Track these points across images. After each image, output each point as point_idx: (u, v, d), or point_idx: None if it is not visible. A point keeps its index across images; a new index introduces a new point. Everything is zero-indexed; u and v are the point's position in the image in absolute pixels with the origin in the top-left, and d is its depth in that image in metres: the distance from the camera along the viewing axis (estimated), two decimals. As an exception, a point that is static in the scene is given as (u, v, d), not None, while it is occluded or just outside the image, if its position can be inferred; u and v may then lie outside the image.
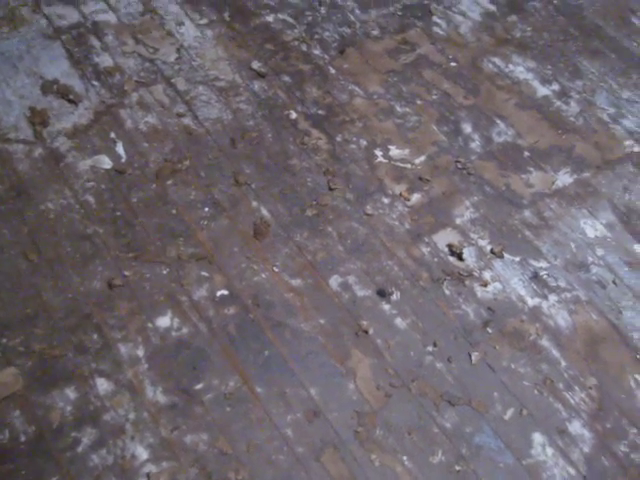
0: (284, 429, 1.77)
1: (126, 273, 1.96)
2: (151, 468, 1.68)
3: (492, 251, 2.15)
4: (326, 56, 2.66)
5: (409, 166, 2.35)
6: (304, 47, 2.67)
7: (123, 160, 2.22)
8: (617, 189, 2.43)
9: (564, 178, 2.41)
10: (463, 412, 1.85)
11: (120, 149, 2.25)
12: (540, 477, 1.79)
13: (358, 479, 1.73)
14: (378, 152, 2.38)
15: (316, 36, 2.70)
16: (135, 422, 1.74)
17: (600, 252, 2.24)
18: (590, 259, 2.22)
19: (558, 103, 2.65)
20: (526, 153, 2.45)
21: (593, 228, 2.30)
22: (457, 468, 1.77)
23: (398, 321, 1.98)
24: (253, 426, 1.77)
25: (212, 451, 1.73)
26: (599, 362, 2.01)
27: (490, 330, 1.99)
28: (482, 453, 1.80)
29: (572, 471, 1.82)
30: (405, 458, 1.76)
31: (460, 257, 2.11)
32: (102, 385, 1.78)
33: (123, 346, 1.85)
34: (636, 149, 2.57)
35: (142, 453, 1.70)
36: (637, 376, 2.02)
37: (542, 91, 2.68)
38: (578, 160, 2.47)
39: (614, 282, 2.18)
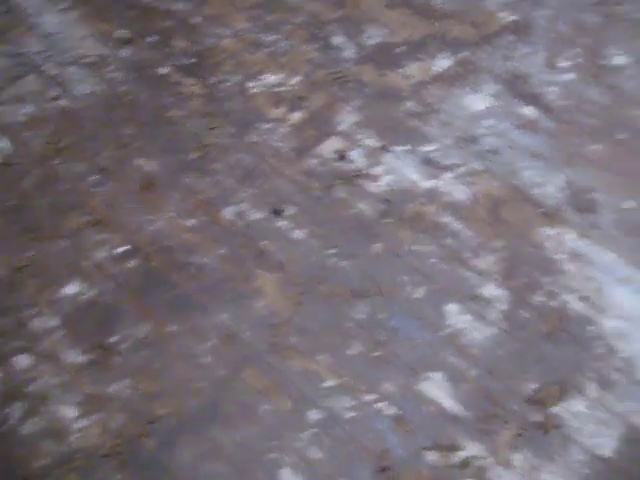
0: (202, 358, 1.87)
1: (29, 254, 2.06)
2: (82, 423, 1.78)
3: (381, 147, 2.23)
4: (188, 8, 2.74)
5: (285, 89, 2.44)
6: (165, 5, 2.76)
7: (9, 153, 2.31)
8: (497, 60, 2.53)
9: (442, 63, 2.51)
10: (375, 302, 1.95)
11: (4, 144, 2.35)
12: (460, 342, 1.88)
13: (282, 386, 1.82)
14: (253, 83, 2.47)
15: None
16: (59, 385, 1.84)
17: (489, 122, 2.34)
18: (480, 131, 2.32)
19: (427, -6, 2.73)
20: (401, 48, 2.54)
21: (479, 102, 2.40)
22: (376, 354, 1.86)
23: (296, 233, 2.08)
24: (172, 362, 1.86)
25: (136, 394, 1.82)
26: (504, 224, 2.11)
27: (389, 220, 2.09)
28: (399, 335, 1.89)
29: (493, 330, 1.92)
30: (323, 357, 1.86)
31: (348, 159, 2.19)
32: (23, 361, 1.88)
33: (37, 320, 1.95)
34: (512, 18, 2.67)
35: (71, 412, 1.80)
36: (543, 229, 2.12)
37: (409, -14, 2.76)
38: (454, 42, 2.57)
39: (508, 147, 2.27)
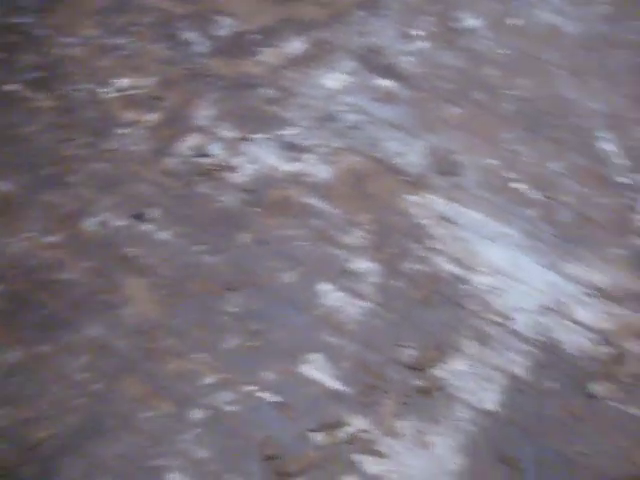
0: (78, 374, 1.83)
1: None
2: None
3: (240, 137, 2.22)
4: (33, 20, 2.67)
5: (140, 91, 2.40)
6: (7, 19, 2.68)
7: None
8: (352, 36, 2.55)
9: (296, 45, 2.51)
10: (248, 293, 1.94)
11: None
12: (336, 320, 1.89)
13: (162, 391, 1.79)
14: (105, 89, 2.42)
15: (13, 5, 2.70)
16: None
17: (347, 99, 2.36)
18: (339, 109, 2.33)
19: (276, -21, 2.73)
20: (254, 36, 2.53)
21: (335, 80, 2.41)
22: (253, 344, 1.85)
23: (161, 235, 2.05)
24: (47, 384, 1.81)
25: (13, 421, 1.76)
26: (369, 198, 2.13)
27: (255, 209, 2.08)
28: (274, 322, 1.89)
29: (367, 303, 1.94)
30: (200, 355, 1.84)
31: (208, 154, 2.18)
32: None
33: None
34: (362, -6, 2.68)
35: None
36: (407, 196, 2.15)
37: (258, -26, 2.75)
38: (307, 24, 2.59)
39: (367, 121, 2.29)
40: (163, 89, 2.41)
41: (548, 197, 2.20)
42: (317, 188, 2.13)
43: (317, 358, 1.85)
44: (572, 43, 2.67)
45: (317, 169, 2.17)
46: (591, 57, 2.63)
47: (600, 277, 2.07)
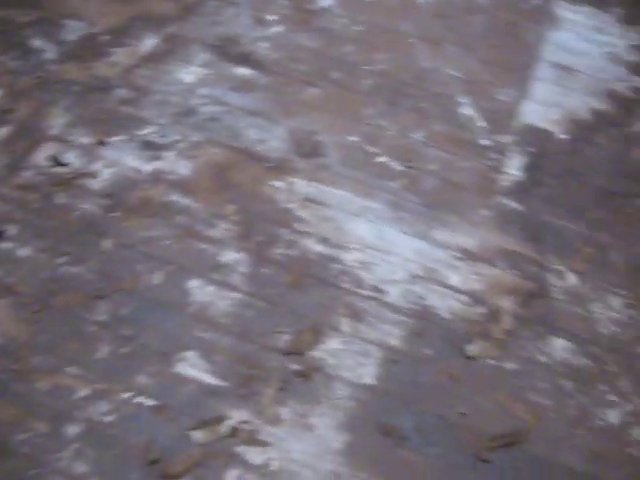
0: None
1: None
2: None
3: (97, 142, 2.18)
4: None
5: (-12, 106, 2.33)
6: None
7: None
8: (205, 27, 2.53)
9: (149, 42, 2.49)
10: (115, 299, 1.91)
11: None
12: (208, 315, 1.88)
13: (34, 411, 1.77)
14: (-48, 108, 2.33)
15: None
16: None
17: (204, 91, 2.35)
18: (196, 102, 2.32)
19: (125, -23, 2.68)
20: (104, 37, 2.48)
21: (191, 74, 2.39)
22: (125, 350, 1.83)
23: (22, 252, 2.00)
24: None
25: None
26: (233, 188, 2.12)
27: (116, 213, 2.04)
28: (146, 324, 1.88)
29: (238, 295, 1.94)
30: (71, 368, 1.81)
31: (64, 163, 2.12)
32: None
33: None
34: (213, -16, 2.65)
35: None
36: (272, 182, 2.15)
37: (105, -27, 2.69)
38: (159, 20, 2.56)
39: (225, 111, 2.28)
40: (13, 101, 2.35)
41: (411, 167, 2.24)
42: (179, 185, 2.12)
43: (191, 356, 1.85)
44: (427, 12, 2.73)
45: (177, 165, 2.16)
46: (446, 25, 2.69)
47: (468, 240, 2.12)
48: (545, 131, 2.42)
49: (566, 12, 2.83)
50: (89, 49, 2.49)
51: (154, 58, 2.44)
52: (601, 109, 2.52)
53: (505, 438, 1.78)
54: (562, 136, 2.42)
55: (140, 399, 1.79)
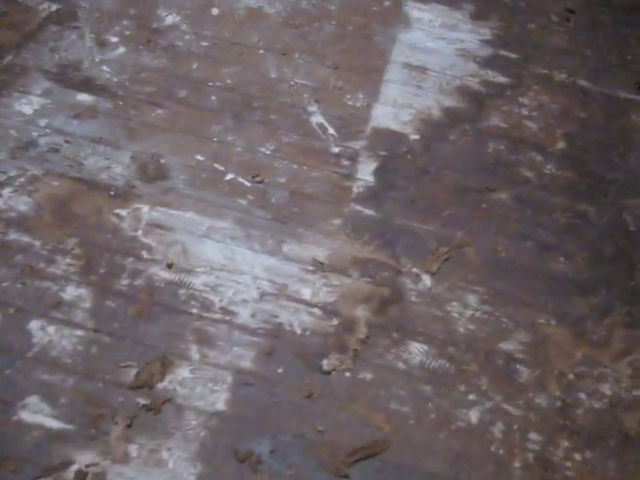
0: None
1: None
2: None
3: None
4: None
5: None
6: None
7: None
8: (45, 55, 2.46)
9: (-14, 75, 2.36)
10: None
11: None
12: (50, 357, 1.82)
13: None
14: None
15: None
16: None
17: (44, 122, 2.27)
18: (36, 134, 2.24)
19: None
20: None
21: (30, 104, 2.32)
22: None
23: None
24: None
25: None
26: (75, 221, 2.06)
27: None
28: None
29: (82, 332, 1.87)
30: None
31: None
32: None
33: None
34: (53, 8, 2.61)
35: None
36: (116, 210, 2.09)
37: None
38: (-5, 50, 2.43)
39: (66, 141, 2.20)
40: None
41: (260, 182, 2.21)
42: (17, 223, 2.06)
43: (34, 401, 1.79)
44: (276, 23, 2.71)
45: (16, 202, 2.09)
46: (296, 33, 2.67)
47: (320, 251, 2.10)
48: (397, 133, 2.42)
49: (416, 12, 2.85)
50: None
51: (-8, 90, 2.34)
52: (453, 106, 2.54)
53: (365, 450, 1.78)
54: (414, 136, 2.42)
55: (-20, 452, 1.70)
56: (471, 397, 1.90)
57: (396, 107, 2.49)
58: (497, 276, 2.12)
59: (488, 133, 2.48)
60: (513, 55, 2.74)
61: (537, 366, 1.97)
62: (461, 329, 2.02)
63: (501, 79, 2.65)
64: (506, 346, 2.00)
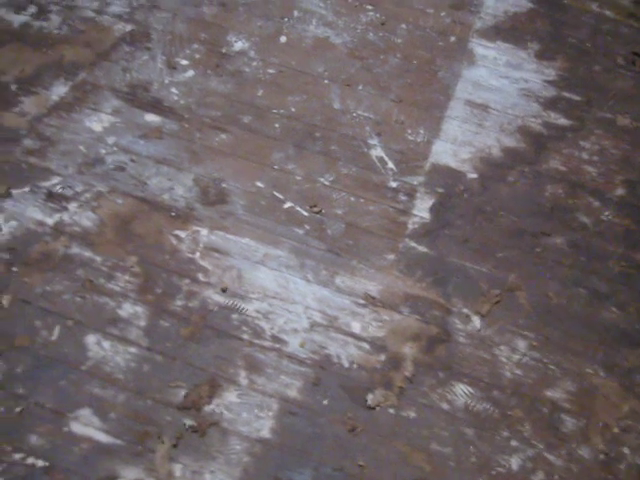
0: None
1: None
2: None
3: (0, 194, 2.17)
4: None
5: None
6: None
7: None
8: (116, 74, 2.53)
9: (59, 90, 2.48)
10: (9, 357, 1.92)
11: None
12: (104, 371, 1.88)
13: None
14: None
15: None
16: None
17: (112, 140, 2.35)
18: (103, 151, 2.32)
19: (38, 24, 2.69)
20: (13, 87, 2.47)
21: (99, 122, 2.39)
22: (18, 409, 1.81)
23: None
24: None
25: None
26: (135, 239, 2.12)
27: (15, 268, 2.03)
28: (40, 382, 1.87)
29: (135, 349, 1.93)
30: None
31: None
32: None
33: None
34: (127, 28, 2.69)
35: None
36: (176, 232, 2.15)
37: (19, 19, 2.70)
38: (70, 66, 2.55)
39: (132, 160, 2.28)
40: None
41: (317, 212, 2.25)
42: (81, 237, 2.13)
43: (85, 414, 1.85)
44: (342, 53, 2.75)
45: (80, 217, 2.16)
46: (361, 65, 2.71)
47: (373, 285, 2.13)
48: (455, 171, 2.45)
49: (482, 49, 2.86)
50: (-3, 98, 2.48)
51: (63, 106, 2.45)
52: (513, 146, 2.55)
53: (404, 488, 1.79)
54: (472, 175, 2.44)
55: (31, 460, 1.78)
56: (513, 443, 1.90)
57: (456, 144, 2.52)
58: (547, 322, 2.12)
59: (547, 176, 2.49)
60: (576, 97, 2.74)
61: (582, 417, 1.96)
62: (508, 374, 2.03)
63: (563, 121, 2.65)
64: (552, 394, 2.00)
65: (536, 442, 1.91)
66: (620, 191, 2.48)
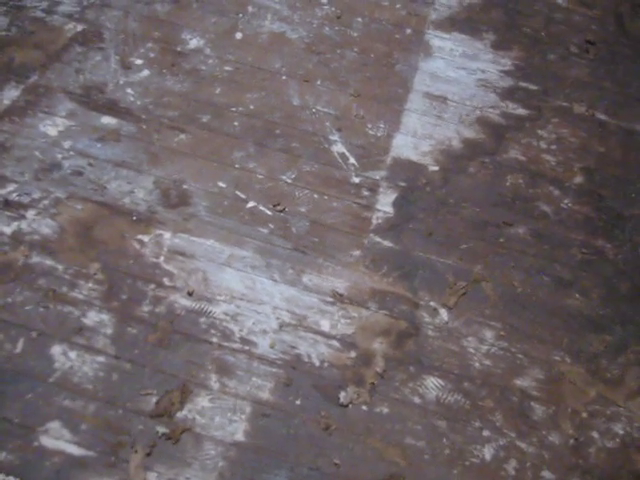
0: None
1: None
2: None
3: (-47, 204, 2.12)
4: None
5: None
6: None
7: None
8: (69, 76, 2.49)
9: (10, 94, 2.42)
10: (-27, 372, 1.85)
11: None
12: (72, 382, 1.85)
13: None
14: None
15: None
16: None
17: (68, 144, 2.31)
18: (60, 156, 2.28)
19: (-15, 25, 2.62)
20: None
21: (54, 126, 2.35)
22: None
23: None
24: None
25: None
26: (97, 246, 2.09)
27: (-27, 281, 1.98)
28: (8, 393, 1.86)
29: (103, 358, 1.90)
30: None
31: None
32: None
33: None
34: (79, 28, 2.65)
35: None
36: (138, 236, 2.13)
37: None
38: (20, 69, 2.50)
39: (90, 164, 2.24)
40: None
41: (281, 211, 2.25)
42: (41, 246, 2.09)
43: (55, 427, 1.83)
44: (299, 48, 2.74)
45: (39, 225, 2.13)
46: (319, 60, 2.71)
47: (340, 282, 2.14)
48: (416, 164, 2.46)
49: (438, 40, 2.89)
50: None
51: (16, 111, 2.40)
52: (472, 137, 2.58)
53: (380, 485, 1.81)
54: (433, 168, 2.46)
55: (1, 477, 1.75)
56: (485, 433, 1.93)
57: (416, 137, 2.53)
58: (513, 312, 2.16)
59: (507, 166, 2.52)
60: (533, 87, 2.78)
61: (551, 404, 2.00)
62: (477, 364, 2.06)
63: (521, 111, 2.68)
64: (521, 383, 2.03)
65: (507, 431, 1.94)
66: (578, 179, 2.53)
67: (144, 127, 2.41)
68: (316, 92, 2.62)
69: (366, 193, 2.36)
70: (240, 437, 1.84)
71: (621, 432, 1.95)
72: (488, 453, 1.90)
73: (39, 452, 1.79)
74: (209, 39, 2.71)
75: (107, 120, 2.42)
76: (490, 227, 2.35)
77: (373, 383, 1.97)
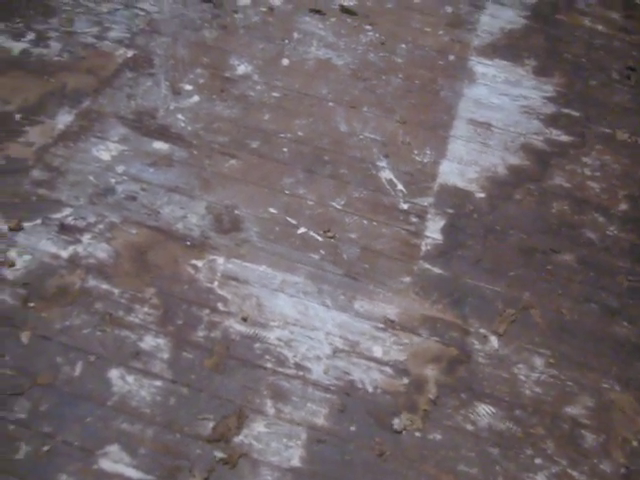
0: None
1: None
2: None
3: (10, 228, 2.16)
4: None
5: None
6: None
7: None
8: (121, 101, 2.53)
9: (64, 119, 2.47)
10: (33, 395, 1.90)
11: None
12: (130, 406, 1.88)
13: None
14: None
15: None
16: None
17: (121, 168, 2.35)
18: (113, 180, 2.32)
19: (37, 50, 2.68)
20: (17, 116, 2.46)
21: (107, 150, 2.40)
22: (46, 448, 1.80)
23: None
24: None
25: None
26: (152, 270, 2.12)
27: (32, 304, 2.02)
28: (66, 420, 1.86)
29: (160, 382, 1.93)
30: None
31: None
32: None
33: None
34: (129, 54, 2.69)
35: None
36: (192, 261, 2.16)
37: (18, 47, 2.69)
38: (73, 94, 2.55)
39: (143, 189, 2.28)
40: None
41: (331, 237, 2.27)
42: (97, 270, 2.12)
43: (114, 450, 1.85)
44: (344, 75, 2.78)
45: (95, 249, 2.16)
46: (364, 86, 2.74)
47: (391, 309, 2.16)
48: (463, 190, 2.49)
49: (481, 67, 2.91)
50: (3, 128, 2.47)
51: (69, 135, 2.45)
52: (517, 164, 2.60)
53: (434, 511, 1.81)
54: (480, 194, 2.48)
55: (62, 501, 1.77)
56: (537, 461, 1.94)
57: (462, 164, 2.56)
58: (562, 339, 2.17)
59: (552, 193, 2.54)
60: (575, 113, 2.80)
61: (601, 432, 2.01)
62: (527, 392, 2.07)
63: (564, 138, 2.71)
64: (571, 410, 2.04)
65: (559, 459, 1.95)
66: (623, 206, 2.54)
67: (195, 153, 2.45)
68: (363, 118, 2.65)
69: (414, 219, 2.38)
70: (296, 463, 1.86)
71: (673, 462, 1.95)
72: (541, 481, 1.90)
73: (99, 475, 1.81)
74: (257, 65, 2.75)
75: (159, 145, 2.45)
76: (537, 254, 2.36)
77: (426, 410, 1.98)
